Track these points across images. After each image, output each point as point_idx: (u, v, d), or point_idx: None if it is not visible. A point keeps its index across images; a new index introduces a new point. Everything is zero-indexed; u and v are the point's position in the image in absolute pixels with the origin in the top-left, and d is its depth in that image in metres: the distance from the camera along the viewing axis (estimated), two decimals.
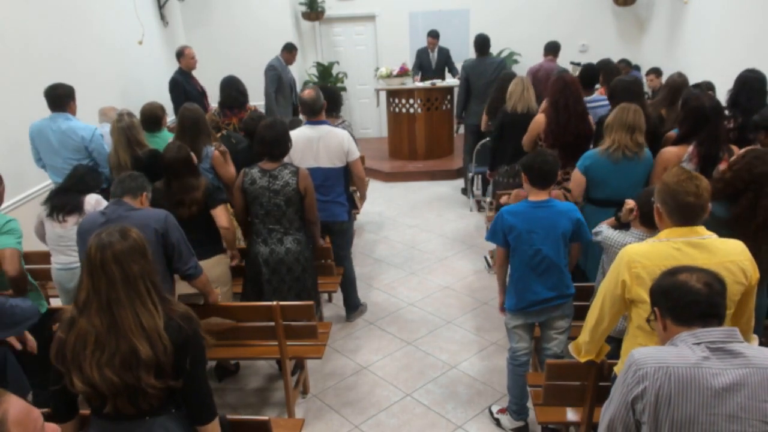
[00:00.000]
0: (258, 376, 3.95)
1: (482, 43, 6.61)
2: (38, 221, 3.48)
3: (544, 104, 4.40)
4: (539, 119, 4.24)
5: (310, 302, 3.21)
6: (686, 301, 1.68)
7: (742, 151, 2.82)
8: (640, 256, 2.11)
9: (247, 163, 3.66)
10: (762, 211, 2.53)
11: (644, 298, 1.98)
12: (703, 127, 3.22)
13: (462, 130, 7.21)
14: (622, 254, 2.17)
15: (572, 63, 7.42)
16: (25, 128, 4.33)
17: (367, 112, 9.70)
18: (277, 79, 6.82)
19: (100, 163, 4.24)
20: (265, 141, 3.47)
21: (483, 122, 5.80)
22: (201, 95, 6.28)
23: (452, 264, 5.42)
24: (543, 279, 2.95)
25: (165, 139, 4.27)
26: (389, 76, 7.78)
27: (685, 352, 1.64)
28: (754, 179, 2.56)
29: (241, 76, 5.45)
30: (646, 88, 6.32)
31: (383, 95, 8.21)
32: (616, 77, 4.21)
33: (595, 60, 5.70)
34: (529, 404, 3.18)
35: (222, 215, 3.42)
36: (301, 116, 4.56)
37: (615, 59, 6.11)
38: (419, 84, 7.83)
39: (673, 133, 3.63)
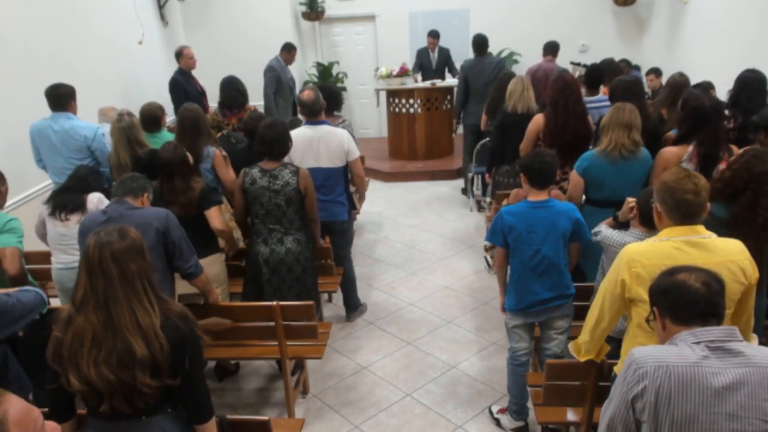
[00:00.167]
0: (258, 376, 3.95)
1: (480, 43, 6.61)
2: (39, 220, 3.48)
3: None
4: (538, 119, 4.23)
5: (310, 302, 3.21)
6: (685, 301, 1.68)
7: (741, 150, 2.82)
8: (639, 256, 2.11)
9: (247, 163, 3.66)
10: (762, 211, 2.53)
11: (644, 297, 1.98)
12: (702, 127, 3.22)
13: (461, 130, 7.21)
14: (622, 254, 2.17)
15: (572, 63, 7.42)
16: (25, 128, 4.33)
17: (367, 112, 9.70)
18: (276, 80, 6.81)
19: (102, 162, 4.25)
20: (266, 141, 3.47)
21: (483, 122, 5.80)
22: (201, 95, 6.28)
23: (452, 264, 5.42)
24: (543, 279, 2.95)
25: (164, 139, 4.27)
26: (389, 76, 7.78)
27: (685, 351, 1.64)
28: (753, 178, 2.56)
29: (241, 76, 5.45)
30: (646, 88, 6.32)
31: (383, 95, 8.21)
32: (617, 77, 4.21)
33: (594, 60, 5.71)
34: (529, 404, 3.18)
35: (215, 217, 3.42)
36: (300, 116, 4.56)
37: (615, 59, 6.12)
38: (419, 84, 7.83)
39: (672, 133, 3.63)
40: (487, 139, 5.68)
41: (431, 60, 7.96)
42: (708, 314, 1.68)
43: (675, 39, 7.43)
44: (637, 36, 8.76)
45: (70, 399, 2.00)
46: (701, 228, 2.12)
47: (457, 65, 7.65)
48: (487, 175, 5.12)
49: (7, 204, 4.02)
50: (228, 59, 7.92)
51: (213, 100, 6.04)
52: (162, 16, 7.58)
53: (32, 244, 3.66)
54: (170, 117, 5.92)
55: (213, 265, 3.47)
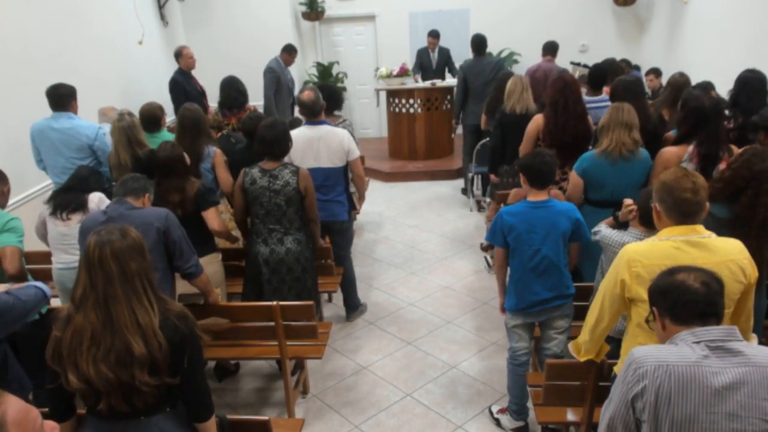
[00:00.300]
0: (258, 376, 3.95)
1: (479, 43, 6.60)
2: (40, 220, 3.48)
3: None
4: (537, 120, 4.23)
5: (310, 302, 3.21)
6: (684, 301, 1.68)
7: (741, 150, 2.82)
8: (639, 255, 2.11)
9: (246, 162, 3.66)
10: (762, 209, 2.53)
11: (644, 297, 1.98)
12: (703, 127, 3.22)
13: (460, 130, 7.21)
14: (621, 253, 2.17)
15: (572, 63, 7.41)
16: (25, 128, 4.33)
17: (367, 112, 9.70)
18: (275, 81, 6.80)
19: (103, 162, 4.25)
20: (266, 141, 3.47)
21: (483, 122, 5.81)
22: (201, 95, 6.29)
23: (452, 264, 5.42)
24: (542, 279, 2.95)
25: (164, 139, 4.26)
26: (389, 76, 7.78)
27: (685, 350, 1.64)
28: (754, 176, 2.56)
29: (241, 76, 5.45)
30: (646, 89, 6.32)
31: (383, 95, 8.21)
32: (618, 77, 4.21)
33: (594, 60, 5.71)
34: (529, 404, 3.18)
35: (213, 219, 3.43)
36: (299, 116, 4.56)
37: (616, 59, 6.12)
38: (419, 84, 7.83)
39: (672, 133, 3.63)
40: (488, 139, 5.68)
41: (431, 60, 7.96)
42: (707, 314, 1.68)
43: (675, 39, 7.43)
44: (637, 36, 8.76)
45: (69, 398, 2.00)
46: (701, 227, 2.12)
47: (458, 65, 7.65)
48: (492, 175, 5.12)
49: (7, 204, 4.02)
50: (228, 59, 7.92)
51: (213, 100, 6.04)
52: (162, 16, 7.58)
53: (33, 244, 3.66)
54: (170, 117, 5.92)
55: (209, 265, 3.47)
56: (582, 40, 8.85)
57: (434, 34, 7.78)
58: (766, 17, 5.21)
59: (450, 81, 7.92)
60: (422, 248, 5.79)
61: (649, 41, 8.50)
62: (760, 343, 2.43)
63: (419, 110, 7.90)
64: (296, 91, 7.09)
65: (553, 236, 2.92)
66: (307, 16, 8.93)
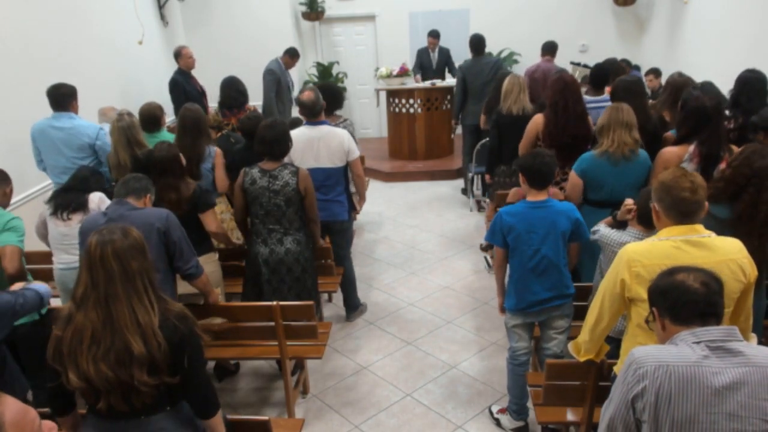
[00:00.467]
0: (258, 376, 3.95)
1: (478, 43, 6.60)
2: (40, 220, 3.48)
3: None
4: (537, 120, 4.22)
5: (310, 302, 3.21)
6: (684, 301, 1.68)
7: (740, 149, 2.82)
8: (639, 255, 2.11)
9: (245, 162, 3.66)
10: (764, 206, 2.53)
11: (644, 296, 1.98)
12: (704, 127, 3.21)
13: (459, 130, 7.21)
14: (621, 253, 2.17)
15: (572, 63, 7.42)
16: (25, 128, 4.33)
17: (367, 112, 9.70)
18: (275, 83, 6.79)
19: (104, 161, 4.26)
20: (265, 141, 3.47)
21: (482, 121, 5.81)
22: (201, 95, 6.29)
23: (452, 264, 5.42)
24: (542, 279, 2.95)
25: (164, 139, 4.26)
26: (389, 76, 7.78)
27: (685, 351, 1.64)
28: (755, 173, 2.56)
29: (241, 76, 5.45)
30: (646, 89, 6.32)
31: (383, 95, 8.21)
32: (618, 77, 4.21)
33: (594, 60, 5.70)
34: (529, 404, 3.18)
35: (210, 220, 3.43)
36: (299, 116, 4.56)
37: (617, 59, 6.12)
38: (419, 84, 7.83)
39: (671, 133, 3.62)
40: (487, 139, 5.69)
41: (431, 60, 7.96)
42: (707, 314, 1.68)
43: (675, 39, 7.43)
44: (637, 36, 8.76)
45: (70, 395, 2.01)
46: (700, 227, 2.12)
47: (458, 65, 7.65)
48: (487, 176, 5.12)
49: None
50: (228, 59, 7.92)
51: (213, 100, 6.04)
52: (162, 16, 7.58)
53: (33, 244, 3.66)
54: (170, 117, 5.92)
55: (206, 265, 3.46)
56: (582, 40, 8.85)
57: (434, 34, 7.78)
58: (766, 17, 5.21)
59: (450, 81, 7.91)
60: (422, 248, 5.79)
61: (649, 41, 8.50)
62: (760, 342, 2.43)
63: (419, 110, 7.90)
64: (296, 93, 7.09)
65: (553, 236, 2.92)
66: (307, 16, 8.94)
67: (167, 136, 4.33)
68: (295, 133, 3.84)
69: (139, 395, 1.86)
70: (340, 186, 4.13)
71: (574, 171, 3.52)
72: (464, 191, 7.17)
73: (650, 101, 4.64)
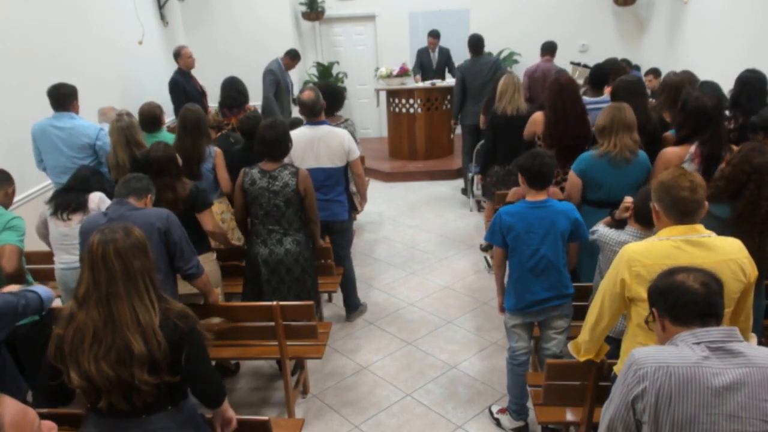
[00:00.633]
0: (258, 376, 3.95)
1: (476, 43, 6.60)
2: (41, 220, 3.48)
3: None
4: (537, 118, 4.22)
5: (310, 302, 3.21)
6: (684, 301, 1.68)
7: (738, 147, 2.82)
8: (639, 255, 2.11)
9: (244, 162, 3.66)
10: (764, 203, 2.53)
11: (644, 296, 1.98)
12: (705, 127, 3.21)
13: (459, 131, 7.21)
14: (621, 253, 2.17)
15: (572, 63, 7.41)
16: (25, 128, 4.33)
17: (367, 112, 9.71)
18: (275, 83, 6.79)
19: (104, 161, 4.26)
20: (265, 141, 3.47)
21: (481, 121, 5.80)
22: (201, 95, 6.29)
23: (452, 264, 5.42)
24: (541, 279, 2.95)
25: (164, 139, 4.27)
26: (389, 76, 7.78)
27: (685, 351, 1.64)
28: (755, 170, 2.56)
29: (241, 76, 5.45)
30: (646, 89, 6.31)
31: (383, 95, 8.21)
32: (619, 77, 4.20)
33: (594, 60, 5.70)
34: (529, 404, 3.18)
35: (207, 221, 3.43)
36: (299, 116, 4.56)
37: (617, 59, 6.11)
38: (419, 84, 7.82)
39: (670, 134, 3.62)
40: None
41: (431, 60, 7.96)
42: (707, 314, 1.68)
43: (675, 39, 7.43)
44: (637, 36, 8.76)
45: (71, 390, 2.02)
46: (700, 227, 2.12)
47: (457, 65, 7.65)
48: (479, 177, 5.09)
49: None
50: (228, 59, 7.92)
51: (213, 100, 6.04)
52: (162, 16, 7.58)
53: (33, 244, 3.65)
54: (170, 117, 5.92)
55: (204, 265, 3.46)
56: (582, 40, 8.85)
57: (434, 34, 7.78)
58: (766, 17, 5.21)
59: (450, 81, 7.91)
60: (422, 248, 5.79)
61: (649, 41, 8.50)
62: (760, 343, 2.43)
63: (419, 110, 7.90)
64: (295, 93, 7.09)
65: (552, 236, 2.92)
66: (307, 16, 8.93)
67: (167, 136, 4.33)
68: (295, 134, 3.84)
69: (139, 394, 1.86)
70: (340, 186, 4.13)
71: (573, 171, 3.52)
72: (464, 191, 7.17)
73: (651, 101, 4.64)
